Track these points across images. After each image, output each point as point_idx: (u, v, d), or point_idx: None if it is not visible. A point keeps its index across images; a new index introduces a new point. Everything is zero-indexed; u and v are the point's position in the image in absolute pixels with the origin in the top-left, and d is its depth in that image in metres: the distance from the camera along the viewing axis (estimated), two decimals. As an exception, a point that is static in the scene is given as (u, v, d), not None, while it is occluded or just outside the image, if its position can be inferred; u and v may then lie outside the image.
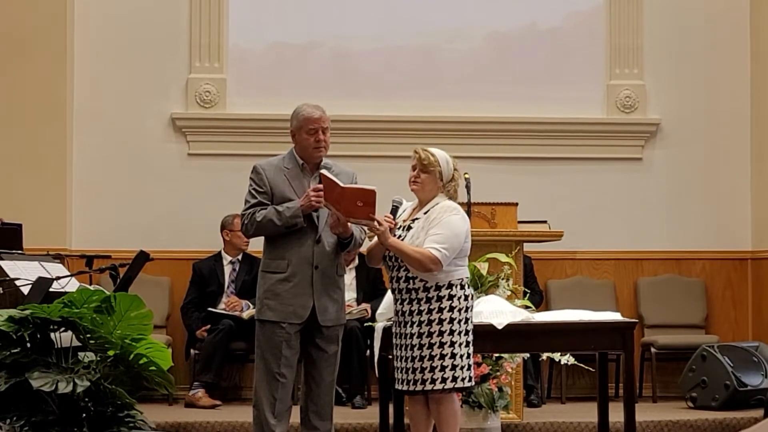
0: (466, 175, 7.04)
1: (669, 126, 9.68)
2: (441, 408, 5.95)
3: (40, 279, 5.47)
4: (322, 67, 9.50)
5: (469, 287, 5.96)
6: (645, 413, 7.77)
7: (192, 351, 8.73)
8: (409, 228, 5.97)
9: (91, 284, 5.75)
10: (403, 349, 5.91)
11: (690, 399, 8.46)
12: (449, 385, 5.84)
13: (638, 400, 7.95)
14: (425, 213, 5.96)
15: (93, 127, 9.21)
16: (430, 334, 5.83)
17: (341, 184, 5.81)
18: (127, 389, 4.59)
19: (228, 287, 8.89)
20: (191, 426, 7.49)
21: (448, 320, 5.83)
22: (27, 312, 4.57)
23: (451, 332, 5.83)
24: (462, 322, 5.87)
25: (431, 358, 5.82)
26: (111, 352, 4.62)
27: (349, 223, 5.93)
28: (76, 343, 4.68)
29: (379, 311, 6.41)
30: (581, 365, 7.60)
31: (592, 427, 7.33)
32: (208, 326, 8.65)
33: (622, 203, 9.61)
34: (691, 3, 9.74)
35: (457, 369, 5.83)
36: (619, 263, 9.62)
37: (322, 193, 5.85)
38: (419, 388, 5.86)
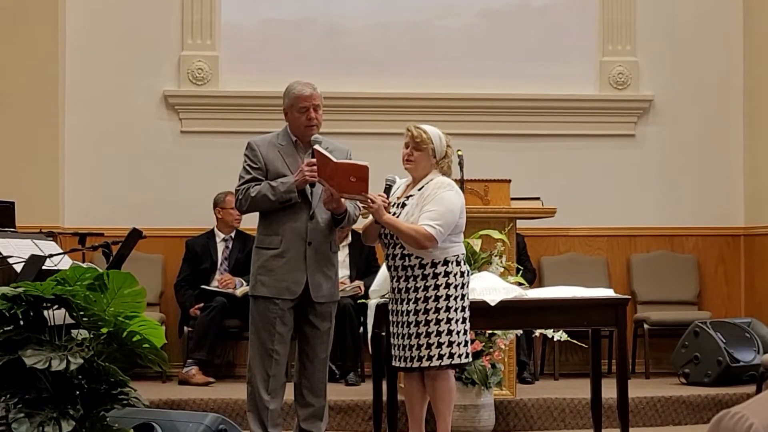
0: (459, 152, 7.03)
1: (662, 102, 9.67)
2: (436, 384, 5.96)
3: (33, 257, 5.45)
4: (315, 44, 9.45)
5: (464, 263, 5.96)
6: (638, 389, 7.79)
7: (185, 328, 8.73)
8: (404, 205, 5.96)
9: (83, 262, 5.72)
10: (399, 326, 5.91)
11: (682, 375, 8.48)
12: (446, 361, 5.84)
13: (631, 376, 7.95)
14: (419, 190, 5.95)
15: (85, 105, 9.17)
16: (426, 311, 5.84)
17: (334, 160, 5.81)
18: (120, 367, 4.58)
19: (221, 265, 8.87)
20: (185, 403, 7.48)
21: (444, 297, 5.84)
22: (20, 290, 4.55)
23: (447, 309, 5.83)
24: (458, 299, 5.87)
25: (428, 334, 5.83)
26: (104, 330, 4.60)
27: (342, 199, 5.93)
28: (69, 320, 4.67)
29: (372, 288, 6.41)
30: (574, 342, 7.61)
31: (585, 403, 7.33)
32: (201, 304, 8.65)
33: (615, 180, 9.60)
34: (684, -21, 9.74)
35: (454, 345, 5.83)
36: (611, 240, 9.63)
37: (315, 167, 5.84)
38: (416, 365, 5.87)
